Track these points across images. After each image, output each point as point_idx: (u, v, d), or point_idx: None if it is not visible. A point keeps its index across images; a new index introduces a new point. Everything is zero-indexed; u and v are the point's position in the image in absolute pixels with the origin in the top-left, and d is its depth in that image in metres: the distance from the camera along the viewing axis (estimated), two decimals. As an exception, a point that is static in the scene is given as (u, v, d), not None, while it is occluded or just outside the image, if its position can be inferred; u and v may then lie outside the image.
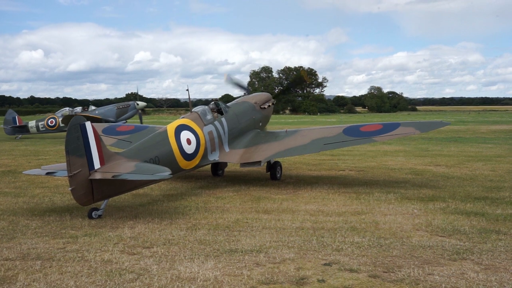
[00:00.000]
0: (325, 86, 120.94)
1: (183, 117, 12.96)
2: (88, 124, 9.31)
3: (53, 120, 33.01)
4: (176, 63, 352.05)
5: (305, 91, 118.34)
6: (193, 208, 10.45)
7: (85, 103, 45.79)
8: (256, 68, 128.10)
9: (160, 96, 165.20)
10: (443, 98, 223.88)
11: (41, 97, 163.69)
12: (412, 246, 7.52)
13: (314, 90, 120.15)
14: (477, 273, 6.32)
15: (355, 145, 16.73)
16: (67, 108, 34.65)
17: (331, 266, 6.63)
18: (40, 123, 32.99)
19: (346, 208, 10.35)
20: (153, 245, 7.69)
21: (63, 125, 31.36)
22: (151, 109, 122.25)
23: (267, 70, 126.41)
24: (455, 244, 7.58)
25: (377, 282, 6.05)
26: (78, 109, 33.50)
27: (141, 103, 34.13)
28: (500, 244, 7.59)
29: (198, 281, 6.13)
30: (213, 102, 14.25)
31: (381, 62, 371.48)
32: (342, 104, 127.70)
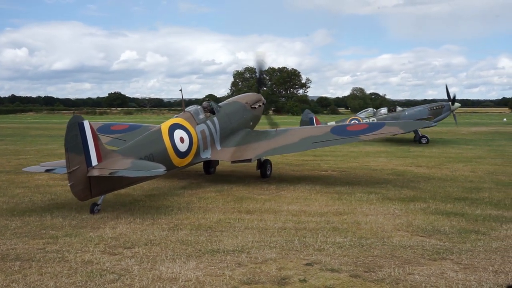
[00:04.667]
0: (309, 87, 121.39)
1: (176, 116, 13.30)
2: (86, 123, 9.66)
3: (356, 122, 28.95)
4: (162, 62, 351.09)
5: (288, 92, 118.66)
6: (175, 208, 10.41)
7: (391, 103, 41.07)
8: (240, 69, 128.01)
9: (144, 96, 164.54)
10: (425, 99, 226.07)
11: (23, 95, 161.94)
12: (393, 246, 7.59)
13: (297, 90, 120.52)
14: (456, 272, 6.40)
15: (342, 144, 17.17)
16: (371, 109, 30.81)
17: (312, 266, 6.66)
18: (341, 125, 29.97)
19: (328, 208, 10.40)
20: (135, 246, 7.64)
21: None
22: (134, 108, 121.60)
23: (250, 70, 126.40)
24: (435, 244, 7.67)
25: (358, 281, 6.09)
26: (384, 110, 29.96)
27: (457, 104, 30.35)
28: (479, 244, 7.70)
29: (180, 281, 6.11)
30: (205, 102, 14.64)
31: (365, 64, 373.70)
32: (326, 105, 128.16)
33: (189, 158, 12.74)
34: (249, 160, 13.58)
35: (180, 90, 16.03)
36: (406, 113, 29.20)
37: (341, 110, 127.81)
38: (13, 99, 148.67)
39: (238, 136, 14.65)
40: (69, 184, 9.52)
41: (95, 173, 9.58)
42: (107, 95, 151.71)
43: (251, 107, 15.99)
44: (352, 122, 28.31)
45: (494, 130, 42.65)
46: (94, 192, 9.79)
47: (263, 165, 14.67)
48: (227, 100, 16.58)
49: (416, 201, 11.03)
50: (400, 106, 33.36)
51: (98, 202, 10.04)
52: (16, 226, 8.86)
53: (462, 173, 15.66)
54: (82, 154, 9.53)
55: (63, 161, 10.05)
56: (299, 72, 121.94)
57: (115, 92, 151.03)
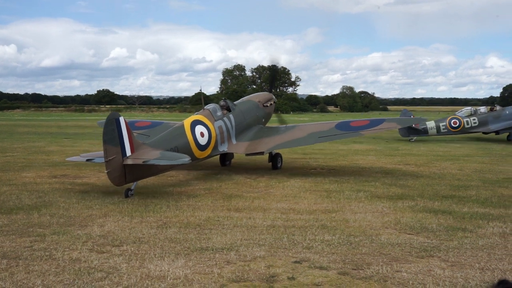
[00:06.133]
0: (298, 85, 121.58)
1: (197, 114, 14.88)
2: (121, 119, 11.14)
3: (457, 121, 29.08)
4: (152, 60, 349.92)
5: (278, 90, 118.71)
6: (164, 206, 10.38)
7: (491, 102, 40.26)
8: (230, 66, 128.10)
9: (133, 94, 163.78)
10: (414, 98, 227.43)
11: (10, 93, 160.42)
12: (381, 243, 7.63)
13: (287, 89, 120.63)
14: (443, 269, 6.45)
15: (345, 138, 18.48)
16: (469, 108, 30.68)
17: (301, 263, 6.67)
18: (441, 124, 29.07)
19: (317, 206, 10.43)
20: (123, 244, 7.61)
21: (468, 126, 28.82)
22: (122, 106, 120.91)
23: (240, 68, 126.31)
24: (422, 242, 7.72)
25: (346, 279, 6.12)
26: (483, 109, 29.95)
27: None
28: (466, 241, 7.76)
29: (168, 279, 6.10)
30: (222, 101, 16.03)
31: (356, 62, 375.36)
32: (315, 103, 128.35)
33: (208, 151, 14.26)
34: (262, 153, 15.12)
35: (200, 90, 18.16)
36: (507, 112, 29.23)
37: (331, 108, 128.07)
38: (0, 96, 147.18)
39: (251, 132, 16.12)
40: (106, 171, 10.87)
41: (130, 162, 11.00)
42: (95, 92, 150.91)
43: (264, 105, 17.44)
44: (453, 121, 28.86)
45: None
46: (128, 178, 11.20)
47: (274, 158, 16.09)
48: (242, 99, 18.12)
49: (404, 199, 11.10)
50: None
51: (131, 188, 11.35)
52: (2, 224, 8.79)
53: (450, 171, 15.78)
54: (118, 146, 10.91)
55: (99, 152, 12.24)
56: (288, 71, 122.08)
57: (103, 90, 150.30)
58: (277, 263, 6.70)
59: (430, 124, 28.98)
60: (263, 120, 17.35)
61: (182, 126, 13.79)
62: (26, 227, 8.63)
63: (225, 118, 15.21)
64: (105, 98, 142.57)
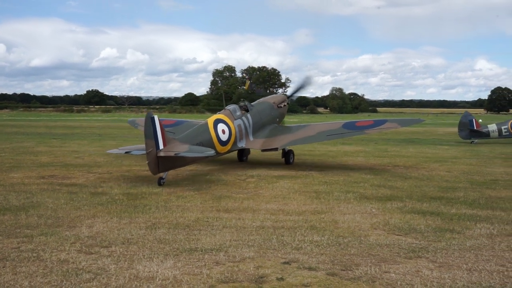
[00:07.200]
0: (288, 87, 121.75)
1: (219, 113, 16.59)
2: (156, 118, 12.76)
3: None
4: (143, 60, 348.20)
5: (268, 91, 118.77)
6: (153, 207, 10.35)
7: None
8: (220, 67, 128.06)
9: (123, 94, 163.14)
10: (403, 100, 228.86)
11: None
12: (370, 244, 7.66)
13: (277, 90, 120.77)
14: (431, 270, 6.49)
15: (350, 136, 20.13)
16: None
17: (290, 264, 6.68)
18: (503, 127, 28.50)
19: (306, 207, 10.45)
20: (112, 245, 7.57)
21: None
22: (112, 106, 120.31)
23: (230, 69, 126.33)
24: (411, 243, 7.76)
25: (335, 280, 6.13)
26: None
27: None
28: (454, 242, 7.82)
29: (157, 280, 6.08)
30: (241, 102, 17.93)
31: (346, 64, 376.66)
32: (305, 105, 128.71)
33: (228, 146, 15.93)
34: (276, 149, 16.78)
35: (222, 93, 20.11)
36: None
37: (320, 109, 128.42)
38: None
39: (267, 130, 17.80)
40: (147, 162, 12.60)
41: (162, 154, 12.58)
42: (85, 92, 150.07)
43: (278, 106, 19.13)
44: None
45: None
46: (161, 168, 12.78)
47: (287, 154, 17.84)
48: (258, 100, 19.58)
49: (393, 200, 11.16)
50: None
51: (163, 177, 12.96)
52: (-10, 225, 8.70)
53: (438, 172, 15.88)
54: (153, 140, 12.49)
55: (136, 146, 15.25)
56: (278, 72, 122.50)
57: (93, 90, 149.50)
58: (266, 264, 6.71)
59: (492, 127, 28.84)
60: (277, 119, 18.96)
61: (206, 124, 15.47)
62: (13, 228, 8.55)
63: (243, 118, 16.91)
64: (94, 98, 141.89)
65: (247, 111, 17.37)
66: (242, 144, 16.74)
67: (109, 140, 28.86)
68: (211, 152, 13.41)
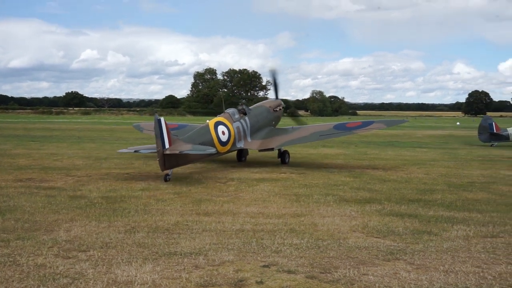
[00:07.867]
0: (269, 89, 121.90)
1: (219, 116, 17.79)
2: (162, 119, 13.91)
3: None
4: (123, 62, 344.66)
5: (249, 94, 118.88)
6: (132, 210, 10.28)
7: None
8: (201, 70, 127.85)
9: (102, 96, 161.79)
10: (383, 103, 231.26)
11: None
12: (349, 247, 7.72)
13: (258, 93, 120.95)
14: (409, 272, 6.56)
15: (341, 136, 21.49)
16: None
17: (269, 267, 6.70)
18: None
19: (286, 210, 10.48)
20: (90, 249, 7.50)
21: None
22: (92, 108, 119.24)
23: (211, 72, 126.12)
24: (389, 245, 7.84)
25: (314, 282, 6.17)
26: None
27: None
28: (431, 244, 7.92)
29: (136, 284, 6.04)
30: (239, 105, 18.99)
31: (327, 67, 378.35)
32: (285, 108, 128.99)
33: (228, 146, 17.17)
34: (272, 149, 18.23)
35: (222, 97, 20.94)
36: None
37: (301, 112, 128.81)
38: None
39: (263, 132, 19.06)
40: (157, 159, 13.88)
41: (168, 152, 13.79)
42: (64, 94, 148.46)
43: (273, 110, 20.31)
44: None
45: (448, 134, 43.97)
46: (167, 166, 13.97)
47: (283, 154, 18.99)
48: (255, 105, 21.02)
49: (371, 203, 11.25)
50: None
51: (169, 174, 14.10)
52: (-35, 229, 8.55)
53: (417, 175, 16.07)
54: (160, 140, 13.66)
55: (146, 146, 17.13)
56: (259, 74, 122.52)
57: (72, 92, 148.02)
58: (245, 267, 6.71)
59: (511, 130, 29.13)
60: (273, 122, 20.20)
61: (207, 126, 16.80)
62: (-11, 232, 8.41)
63: (241, 120, 18.11)
64: (74, 100, 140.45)
65: (245, 114, 18.46)
66: (240, 145, 17.89)
67: (88, 142, 28.58)
68: (212, 150, 14.86)
